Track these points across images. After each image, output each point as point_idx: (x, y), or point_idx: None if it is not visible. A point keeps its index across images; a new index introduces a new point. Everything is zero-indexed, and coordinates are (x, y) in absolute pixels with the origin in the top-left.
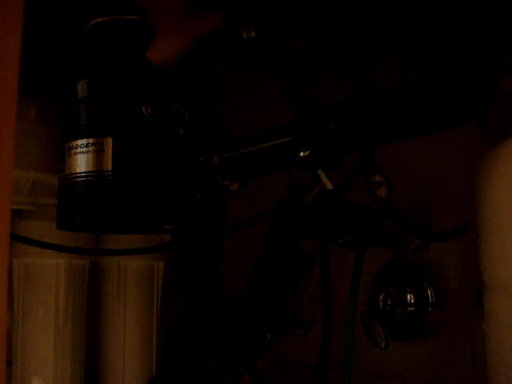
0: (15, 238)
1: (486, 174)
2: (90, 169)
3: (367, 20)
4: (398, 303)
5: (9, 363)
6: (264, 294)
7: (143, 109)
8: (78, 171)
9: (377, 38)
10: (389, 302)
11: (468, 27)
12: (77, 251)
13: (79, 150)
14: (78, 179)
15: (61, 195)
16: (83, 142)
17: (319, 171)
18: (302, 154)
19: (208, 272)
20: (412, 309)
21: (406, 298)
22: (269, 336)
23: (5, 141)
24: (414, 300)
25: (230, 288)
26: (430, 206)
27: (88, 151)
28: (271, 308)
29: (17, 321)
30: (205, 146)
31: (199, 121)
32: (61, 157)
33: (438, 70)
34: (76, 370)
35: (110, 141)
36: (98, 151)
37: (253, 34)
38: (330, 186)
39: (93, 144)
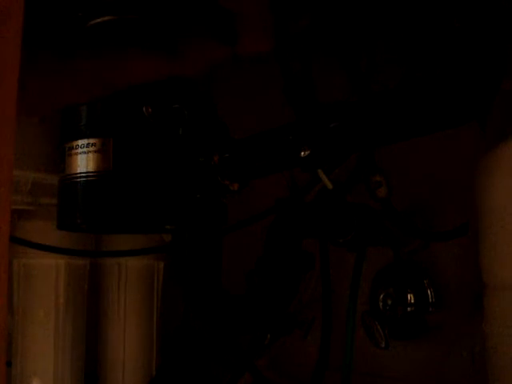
0: (14, 240)
1: (486, 173)
2: (91, 169)
3: (368, 20)
4: (398, 303)
5: (9, 364)
6: (264, 294)
7: (143, 109)
8: (79, 171)
9: (378, 38)
10: (389, 302)
11: (468, 27)
12: (76, 253)
13: (80, 150)
14: (79, 179)
15: (61, 195)
16: (84, 142)
17: (319, 171)
18: (302, 153)
19: (208, 272)
20: (412, 309)
21: (406, 298)
22: (269, 336)
23: (5, 141)
24: (414, 300)
25: (229, 288)
26: (430, 206)
27: (88, 151)
28: (271, 308)
29: (17, 321)
30: (205, 146)
31: (199, 121)
32: (61, 157)
33: (438, 71)
34: (76, 370)
35: (110, 141)
36: (99, 151)
37: None
38: (330, 186)
39: (93, 144)
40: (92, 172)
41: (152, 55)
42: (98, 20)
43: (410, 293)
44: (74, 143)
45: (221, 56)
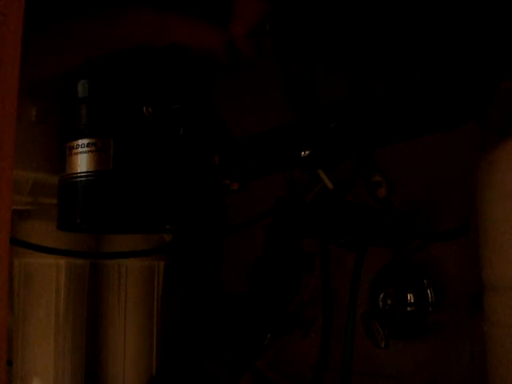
0: (15, 242)
1: (486, 173)
2: (91, 169)
3: (368, 23)
4: (398, 303)
5: (9, 363)
6: (264, 294)
7: (144, 109)
8: (79, 171)
9: (378, 38)
10: (389, 301)
11: (468, 28)
12: (77, 255)
13: (80, 149)
14: (79, 179)
15: (61, 195)
16: (84, 141)
17: (319, 171)
18: (302, 153)
19: (208, 272)
20: (412, 309)
21: (406, 298)
22: (269, 336)
23: (5, 141)
24: (414, 300)
25: (229, 288)
26: (430, 206)
27: (89, 151)
28: (271, 308)
29: (17, 320)
30: (205, 146)
31: (200, 121)
32: (61, 157)
33: (438, 71)
34: (76, 370)
35: (110, 141)
36: (99, 151)
37: None
38: (330, 186)
39: (94, 144)
40: (92, 172)
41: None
42: None
43: (409, 293)
44: (75, 143)
45: (217, 41)
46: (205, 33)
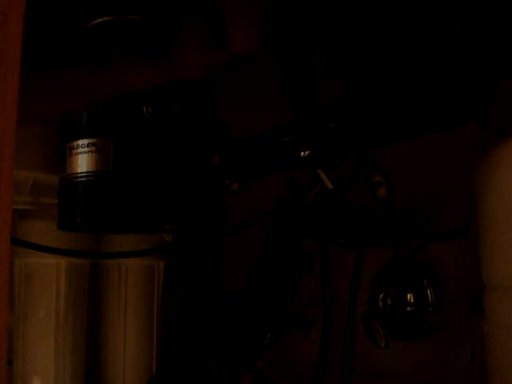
0: (15, 242)
1: (486, 173)
2: (91, 169)
3: (369, 21)
4: (398, 303)
5: (10, 363)
6: (264, 293)
7: (144, 109)
8: (79, 171)
9: (378, 38)
10: (389, 301)
11: (468, 28)
12: (78, 254)
13: (80, 149)
14: (79, 179)
15: (62, 195)
16: (84, 142)
17: (319, 171)
18: (302, 153)
19: (209, 272)
20: (412, 308)
21: (406, 298)
22: (269, 336)
23: (5, 141)
24: (414, 300)
25: (229, 288)
26: (430, 206)
27: (89, 151)
28: (271, 308)
29: (18, 320)
30: (205, 146)
31: (199, 121)
32: (62, 157)
33: (438, 71)
34: (76, 370)
35: (110, 141)
36: (99, 151)
37: None
38: (330, 186)
39: (94, 144)
40: (92, 172)
41: (149, 63)
42: (98, 20)
43: (409, 292)
44: (75, 143)
45: (216, 59)
46: (204, 58)
